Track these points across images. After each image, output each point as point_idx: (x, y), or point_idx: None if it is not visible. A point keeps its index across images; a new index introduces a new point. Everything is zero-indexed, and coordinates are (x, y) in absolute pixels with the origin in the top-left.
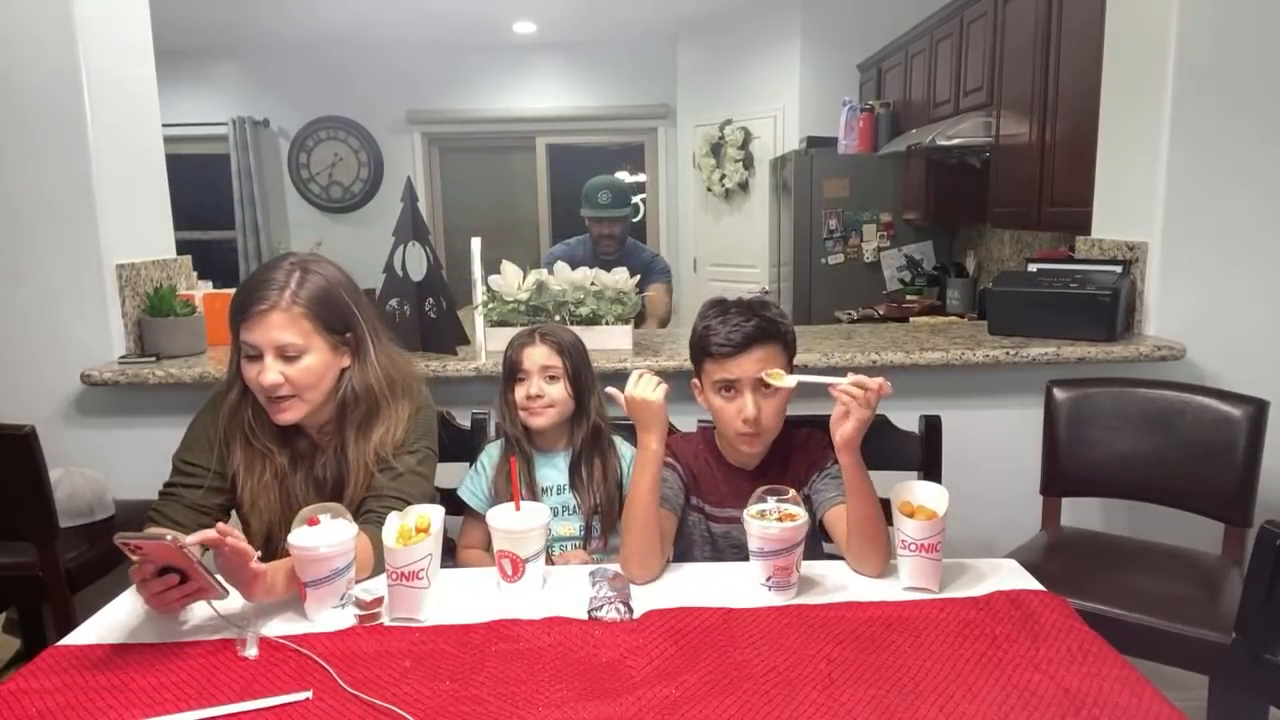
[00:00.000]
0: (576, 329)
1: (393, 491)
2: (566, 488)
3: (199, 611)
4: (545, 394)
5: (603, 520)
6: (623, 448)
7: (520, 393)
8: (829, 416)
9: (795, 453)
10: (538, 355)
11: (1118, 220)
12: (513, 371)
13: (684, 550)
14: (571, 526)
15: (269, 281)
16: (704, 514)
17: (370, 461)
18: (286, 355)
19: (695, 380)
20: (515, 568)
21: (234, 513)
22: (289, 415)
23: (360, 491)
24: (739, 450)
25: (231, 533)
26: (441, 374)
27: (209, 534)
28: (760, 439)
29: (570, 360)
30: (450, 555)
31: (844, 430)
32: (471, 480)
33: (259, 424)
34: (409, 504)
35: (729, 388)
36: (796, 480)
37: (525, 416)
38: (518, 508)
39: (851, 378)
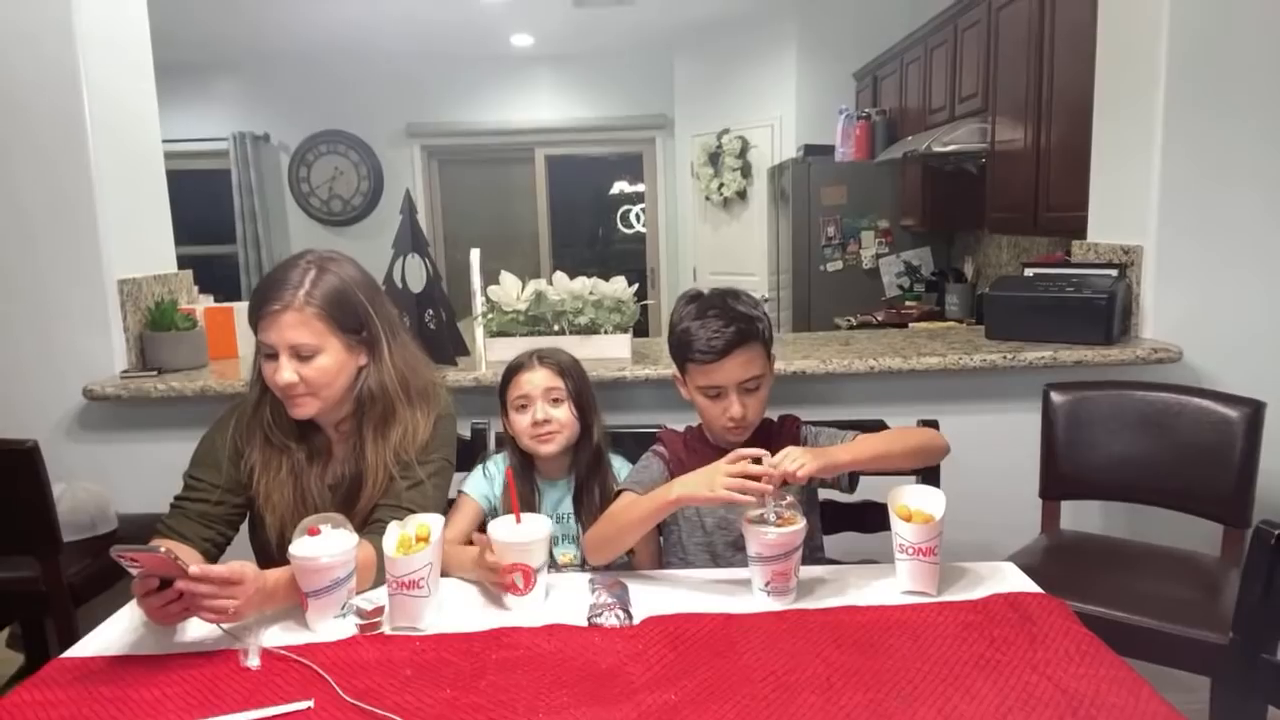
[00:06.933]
0: (575, 338)
1: (405, 502)
2: (569, 516)
3: (201, 623)
4: (552, 418)
5: None
6: (615, 462)
7: (524, 420)
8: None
9: (775, 438)
10: (539, 379)
11: (1113, 224)
12: (514, 399)
13: (677, 540)
14: (570, 554)
15: (284, 281)
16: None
17: (390, 462)
18: (301, 355)
19: (678, 375)
20: (527, 580)
21: (247, 516)
22: (305, 410)
23: (378, 493)
24: (726, 439)
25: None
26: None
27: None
28: (747, 431)
29: (572, 381)
30: None
31: (817, 473)
32: (481, 479)
33: (277, 420)
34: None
35: (714, 390)
36: None
37: (534, 444)
38: (518, 519)
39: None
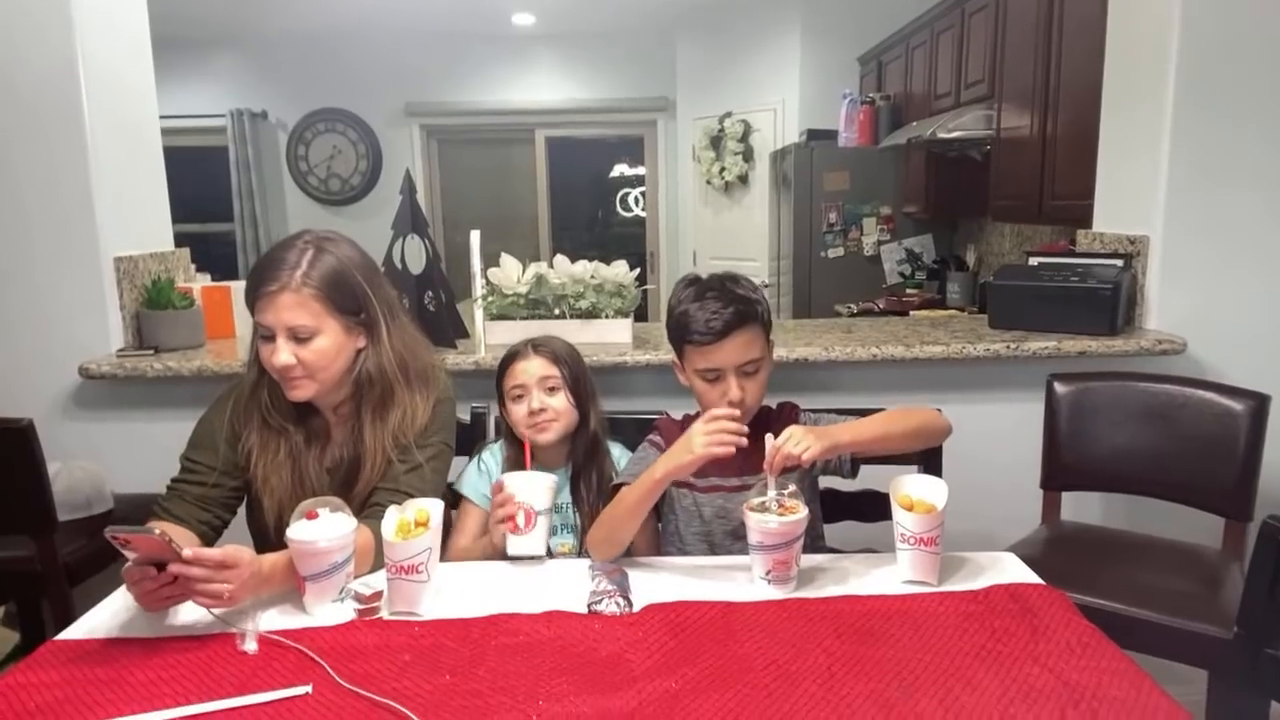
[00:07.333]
0: (576, 323)
1: (404, 486)
2: (568, 505)
3: (198, 606)
4: (548, 407)
5: None
6: (615, 450)
7: (521, 410)
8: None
9: (774, 425)
10: (534, 368)
11: (1119, 214)
12: (510, 389)
13: (675, 530)
14: (568, 544)
15: (281, 261)
16: (691, 487)
17: (388, 446)
18: (298, 336)
19: (676, 360)
20: (529, 520)
21: (245, 499)
22: (302, 392)
23: (376, 477)
24: None
25: (201, 557)
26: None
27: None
28: (746, 416)
29: (568, 368)
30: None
31: (821, 454)
32: (476, 478)
33: (275, 402)
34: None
35: (713, 373)
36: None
37: (532, 434)
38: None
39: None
